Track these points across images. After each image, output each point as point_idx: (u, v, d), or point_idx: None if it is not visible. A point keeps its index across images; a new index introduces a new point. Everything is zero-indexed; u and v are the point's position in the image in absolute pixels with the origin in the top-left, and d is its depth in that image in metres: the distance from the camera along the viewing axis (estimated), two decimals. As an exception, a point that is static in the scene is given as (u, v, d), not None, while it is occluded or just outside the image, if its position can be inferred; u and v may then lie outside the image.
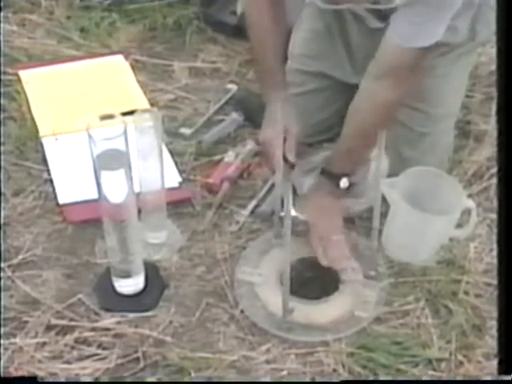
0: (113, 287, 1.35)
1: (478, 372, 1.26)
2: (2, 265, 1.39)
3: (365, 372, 1.25)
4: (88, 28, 2.05)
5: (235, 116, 1.77)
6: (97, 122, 1.17)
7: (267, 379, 1.25)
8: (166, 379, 1.23)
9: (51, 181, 1.58)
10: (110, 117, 1.19)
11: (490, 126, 1.73)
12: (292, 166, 1.40)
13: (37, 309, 1.33)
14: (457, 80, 1.56)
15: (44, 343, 1.27)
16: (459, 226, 1.44)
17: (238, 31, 2.01)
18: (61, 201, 1.54)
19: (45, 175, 1.60)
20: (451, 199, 1.41)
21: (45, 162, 1.63)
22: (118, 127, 1.17)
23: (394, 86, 1.38)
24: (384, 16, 1.42)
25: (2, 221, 1.48)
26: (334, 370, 1.26)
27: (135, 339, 1.28)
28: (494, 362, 1.25)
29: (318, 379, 1.25)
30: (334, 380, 1.24)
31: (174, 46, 2.03)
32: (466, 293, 1.38)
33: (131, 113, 1.35)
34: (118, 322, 1.31)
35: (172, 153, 1.65)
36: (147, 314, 1.33)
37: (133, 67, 1.93)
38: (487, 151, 1.67)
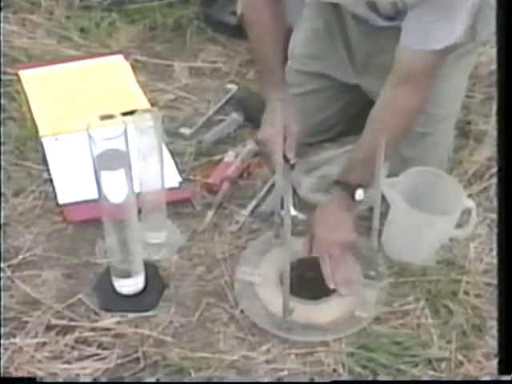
0: (113, 287, 1.35)
1: (478, 372, 1.26)
2: (2, 265, 1.39)
3: (365, 372, 1.25)
4: (88, 28, 2.05)
5: (235, 116, 1.77)
6: (97, 121, 1.17)
7: (267, 379, 1.25)
8: (166, 379, 1.23)
9: (51, 181, 1.58)
10: (110, 117, 1.19)
11: (490, 125, 1.73)
12: (292, 166, 1.40)
13: (37, 309, 1.33)
14: (457, 80, 1.56)
15: (44, 343, 1.27)
16: (459, 226, 1.44)
17: (238, 31, 2.01)
18: (61, 201, 1.54)
19: (45, 175, 1.60)
20: (451, 199, 1.41)
21: (45, 161, 1.63)
22: (118, 127, 1.17)
23: (415, 91, 1.37)
24: (387, 14, 1.42)
25: (2, 221, 1.48)
26: (334, 370, 1.26)
27: (135, 339, 1.28)
28: (494, 362, 1.25)
29: (317, 379, 1.25)
30: (334, 380, 1.24)
31: (174, 46, 2.03)
32: (466, 293, 1.38)
33: (131, 113, 1.35)
34: (118, 322, 1.31)
35: (172, 153, 1.65)
36: (147, 314, 1.33)
37: (133, 67, 1.93)
38: (487, 151, 1.67)
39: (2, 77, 1.84)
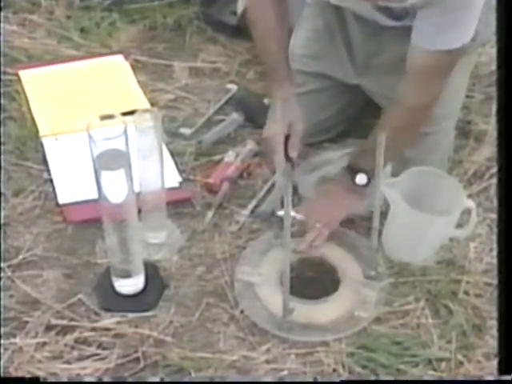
0: (113, 287, 1.35)
1: (478, 372, 1.26)
2: (2, 265, 1.39)
3: (365, 372, 1.25)
4: (88, 28, 2.05)
5: (235, 116, 1.77)
6: (97, 122, 1.17)
7: (267, 379, 1.25)
8: (166, 379, 1.23)
9: (51, 181, 1.58)
10: (110, 117, 1.19)
11: (490, 126, 1.73)
12: (293, 165, 1.40)
13: (37, 309, 1.33)
14: (457, 80, 1.56)
15: (44, 343, 1.27)
16: (459, 226, 1.44)
17: (238, 31, 2.02)
18: (61, 201, 1.54)
19: (45, 175, 1.59)
20: (451, 199, 1.41)
21: (45, 161, 1.62)
22: (118, 127, 1.16)
23: (427, 89, 1.39)
24: (397, 14, 1.42)
25: (2, 221, 1.48)
26: (334, 370, 1.26)
27: (135, 339, 1.28)
28: (494, 362, 1.25)
29: (318, 379, 1.25)
30: (334, 380, 1.24)
31: (174, 46, 2.03)
32: (466, 293, 1.38)
33: (131, 113, 1.35)
34: (118, 322, 1.31)
35: (172, 153, 1.65)
36: (147, 314, 1.33)
37: (133, 67, 1.93)
38: (487, 151, 1.67)
39: (2, 77, 1.84)
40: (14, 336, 1.28)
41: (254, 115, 1.75)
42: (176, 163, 1.64)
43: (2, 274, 1.38)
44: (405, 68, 1.40)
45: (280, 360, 1.27)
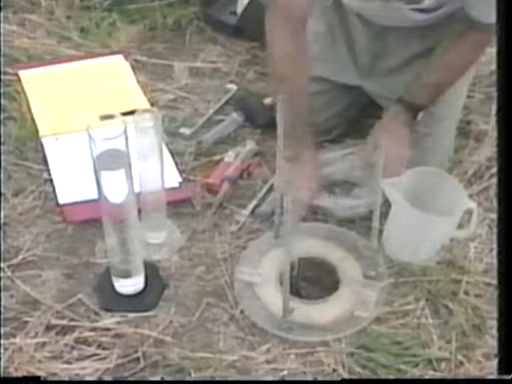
0: (113, 287, 1.35)
1: (478, 372, 1.26)
2: (2, 265, 1.39)
3: (365, 372, 1.25)
4: (88, 28, 2.06)
5: (235, 116, 1.77)
6: (97, 122, 1.17)
7: (267, 379, 1.25)
8: (166, 379, 1.23)
9: (51, 181, 1.58)
10: (110, 117, 1.19)
11: (490, 126, 1.73)
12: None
13: (37, 309, 1.33)
14: (459, 80, 1.56)
15: (44, 343, 1.27)
16: (460, 226, 1.44)
17: (238, 31, 2.02)
18: (61, 201, 1.54)
19: (45, 175, 1.60)
20: (453, 200, 1.41)
21: (45, 161, 1.62)
22: (118, 127, 1.16)
23: (480, 48, 1.48)
24: (432, 7, 1.41)
25: (2, 221, 1.48)
26: (334, 370, 1.25)
27: (135, 339, 1.28)
28: (494, 362, 1.25)
29: (318, 379, 1.25)
30: (334, 380, 1.24)
31: (174, 46, 2.03)
32: (466, 293, 1.38)
33: (131, 113, 1.35)
34: (118, 322, 1.31)
35: (172, 153, 1.65)
36: (147, 314, 1.33)
37: (133, 67, 1.93)
38: (487, 151, 1.67)
39: (2, 77, 1.84)
40: (14, 336, 1.28)
41: (254, 115, 1.75)
42: (176, 163, 1.64)
43: (2, 274, 1.38)
44: (409, 70, 1.40)
45: (280, 360, 1.27)
